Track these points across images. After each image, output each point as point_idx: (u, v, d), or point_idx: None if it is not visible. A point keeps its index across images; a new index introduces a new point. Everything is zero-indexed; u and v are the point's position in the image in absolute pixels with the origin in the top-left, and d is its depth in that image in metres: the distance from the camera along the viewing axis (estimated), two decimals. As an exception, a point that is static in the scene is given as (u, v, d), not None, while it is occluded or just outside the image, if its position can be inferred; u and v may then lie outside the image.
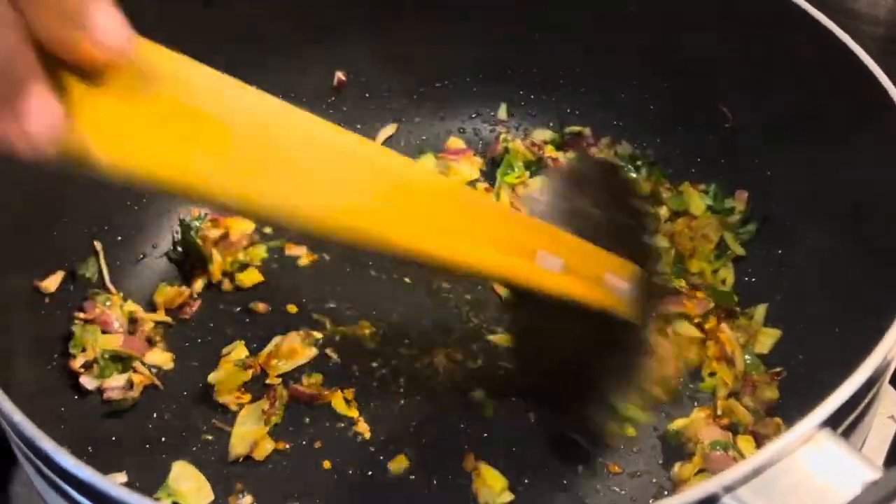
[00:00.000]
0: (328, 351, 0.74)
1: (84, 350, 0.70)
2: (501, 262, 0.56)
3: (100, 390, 0.70)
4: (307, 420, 0.70)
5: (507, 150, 0.85)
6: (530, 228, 0.59)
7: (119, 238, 0.77)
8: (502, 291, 0.77)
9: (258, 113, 0.46)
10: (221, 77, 0.44)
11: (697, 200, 0.80)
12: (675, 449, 0.68)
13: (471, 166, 0.86)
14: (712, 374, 0.71)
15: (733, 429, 0.68)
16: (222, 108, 0.44)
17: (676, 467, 0.66)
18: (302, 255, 0.80)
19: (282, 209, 0.46)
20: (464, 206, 0.55)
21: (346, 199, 0.49)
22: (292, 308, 0.76)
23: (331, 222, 0.48)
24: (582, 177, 0.66)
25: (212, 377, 0.71)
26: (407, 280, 0.78)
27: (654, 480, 0.67)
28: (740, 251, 0.77)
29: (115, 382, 0.70)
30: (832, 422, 0.47)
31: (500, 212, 0.60)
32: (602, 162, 0.76)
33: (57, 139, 0.37)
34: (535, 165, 0.85)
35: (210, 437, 0.69)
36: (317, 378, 0.72)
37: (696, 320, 0.73)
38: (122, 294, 0.75)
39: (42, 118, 0.36)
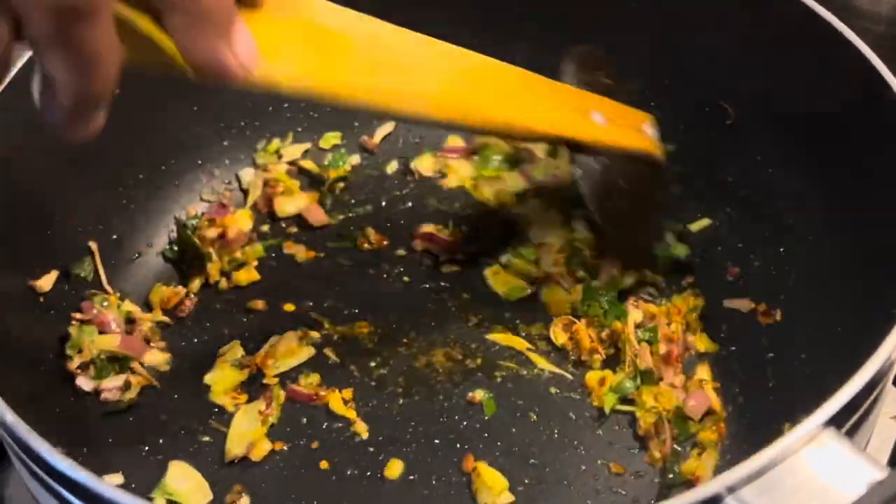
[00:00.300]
0: (326, 350, 0.73)
1: (80, 351, 0.69)
2: (569, 120, 0.69)
3: (96, 391, 0.69)
4: (305, 420, 0.69)
5: (485, 143, 0.85)
6: (580, 95, 0.72)
7: (114, 237, 0.77)
8: (500, 289, 0.76)
9: (366, 27, 0.57)
10: (332, 3, 0.55)
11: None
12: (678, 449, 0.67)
13: (470, 164, 0.85)
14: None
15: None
16: (343, 25, 0.55)
17: (679, 467, 0.66)
18: (299, 253, 0.80)
19: (394, 100, 0.58)
20: (530, 81, 0.68)
21: (442, 85, 0.61)
22: (289, 307, 0.76)
23: (433, 106, 0.60)
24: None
25: (208, 378, 0.71)
26: (406, 279, 0.78)
27: (655, 480, 0.66)
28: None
29: (113, 383, 0.70)
30: (836, 421, 0.46)
31: (557, 85, 0.71)
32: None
33: (257, 62, 0.46)
34: (513, 159, 0.85)
35: (207, 439, 0.68)
36: (314, 378, 0.71)
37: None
38: (118, 294, 0.74)
39: (247, 45, 0.45)
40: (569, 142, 0.71)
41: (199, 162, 0.83)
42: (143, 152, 0.79)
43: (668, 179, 0.78)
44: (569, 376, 0.72)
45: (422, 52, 0.60)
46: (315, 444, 0.68)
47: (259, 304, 0.76)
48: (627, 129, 0.73)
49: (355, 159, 0.86)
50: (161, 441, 0.68)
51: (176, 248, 0.78)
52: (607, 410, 0.69)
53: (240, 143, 0.84)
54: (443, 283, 0.77)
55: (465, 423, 0.69)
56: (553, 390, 0.71)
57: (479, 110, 0.63)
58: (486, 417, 0.69)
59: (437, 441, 0.68)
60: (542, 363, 0.72)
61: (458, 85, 0.62)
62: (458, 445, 0.68)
